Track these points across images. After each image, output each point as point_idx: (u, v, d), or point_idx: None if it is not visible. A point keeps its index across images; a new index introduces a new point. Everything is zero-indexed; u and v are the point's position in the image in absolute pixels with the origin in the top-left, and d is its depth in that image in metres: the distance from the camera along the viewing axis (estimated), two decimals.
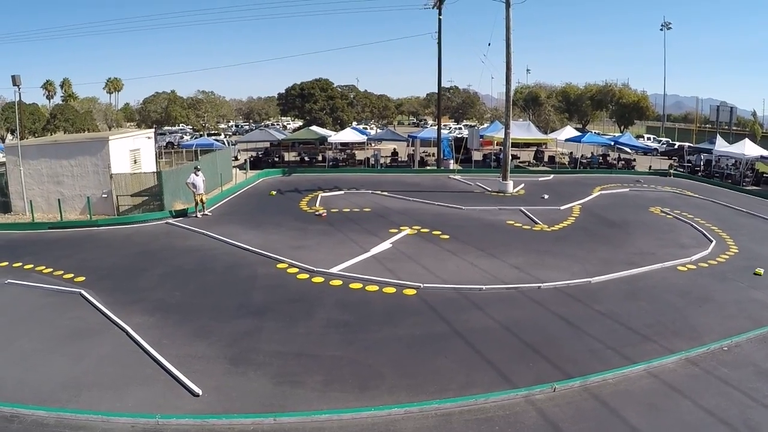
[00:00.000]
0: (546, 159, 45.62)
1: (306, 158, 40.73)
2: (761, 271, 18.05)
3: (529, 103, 79.99)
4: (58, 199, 23.26)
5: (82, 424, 8.79)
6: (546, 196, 28.46)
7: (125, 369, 10.49)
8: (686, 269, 17.91)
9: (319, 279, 15.07)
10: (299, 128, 62.60)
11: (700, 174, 44.22)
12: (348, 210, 22.63)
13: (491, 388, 9.94)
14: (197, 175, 22.55)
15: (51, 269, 16.16)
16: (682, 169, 45.77)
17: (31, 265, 16.51)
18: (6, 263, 16.81)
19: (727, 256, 19.65)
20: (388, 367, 10.54)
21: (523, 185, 31.56)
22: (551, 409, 9.53)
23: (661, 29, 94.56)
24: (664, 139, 72.42)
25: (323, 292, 14.18)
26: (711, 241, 21.30)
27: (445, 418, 9.06)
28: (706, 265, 18.46)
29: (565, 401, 9.83)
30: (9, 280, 15.13)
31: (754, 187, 39.81)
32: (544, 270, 16.62)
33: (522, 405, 9.61)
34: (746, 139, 45.51)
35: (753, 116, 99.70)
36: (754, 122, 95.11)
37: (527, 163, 43.53)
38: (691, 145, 58.84)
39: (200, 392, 9.60)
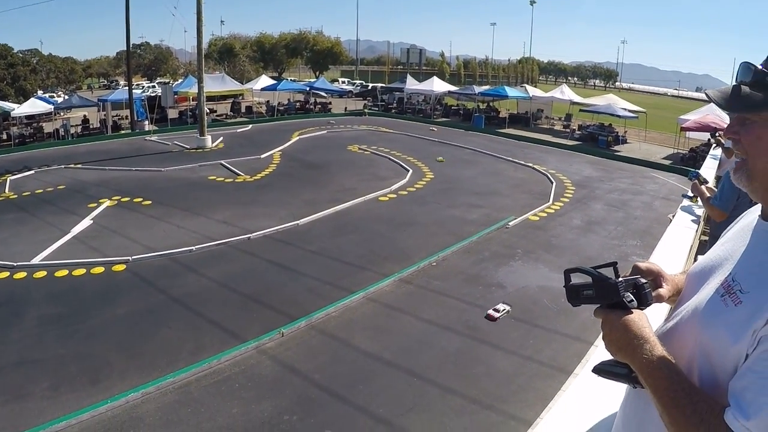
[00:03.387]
0: (243, 110, 45.21)
1: None
2: (442, 158, 21.91)
3: (223, 54, 78.86)
4: None
5: None
6: (441, 159, 28.29)
7: None
8: (388, 199, 19.25)
9: (21, 274, 13.11)
10: None
11: (393, 111, 47.16)
12: (41, 191, 20.18)
13: (222, 348, 9.71)
14: None
15: None
16: (376, 108, 48.39)
17: None
18: None
19: (425, 182, 21.53)
20: (114, 352, 9.70)
21: (221, 138, 31.08)
22: (284, 354, 9.66)
23: None
24: (358, 82, 75.89)
25: (29, 288, 12.45)
26: (408, 171, 23.11)
27: (184, 389, 8.67)
28: (406, 192, 20.05)
29: (296, 343, 10.01)
30: None
31: (444, 119, 43.59)
32: (252, 220, 16.60)
33: (255, 357, 9.58)
34: (434, 77, 49.61)
35: (441, 56, 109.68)
36: (442, 62, 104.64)
37: (225, 116, 42.78)
38: (384, 85, 62.43)
39: None
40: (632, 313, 1.67)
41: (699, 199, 6.54)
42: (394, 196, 19.73)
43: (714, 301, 1.59)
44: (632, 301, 1.69)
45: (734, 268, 1.61)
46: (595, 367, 1.81)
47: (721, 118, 29.98)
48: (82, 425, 7.90)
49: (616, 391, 2.09)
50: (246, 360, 9.48)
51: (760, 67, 1.54)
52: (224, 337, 10.17)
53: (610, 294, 1.71)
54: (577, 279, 1.86)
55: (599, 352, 2.11)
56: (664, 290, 1.92)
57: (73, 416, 8.01)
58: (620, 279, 1.73)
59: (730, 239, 1.77)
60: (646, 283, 1.76)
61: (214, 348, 9.75)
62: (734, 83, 1.60)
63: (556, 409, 2.40)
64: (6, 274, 13.10)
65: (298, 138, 31.85)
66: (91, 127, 36.61)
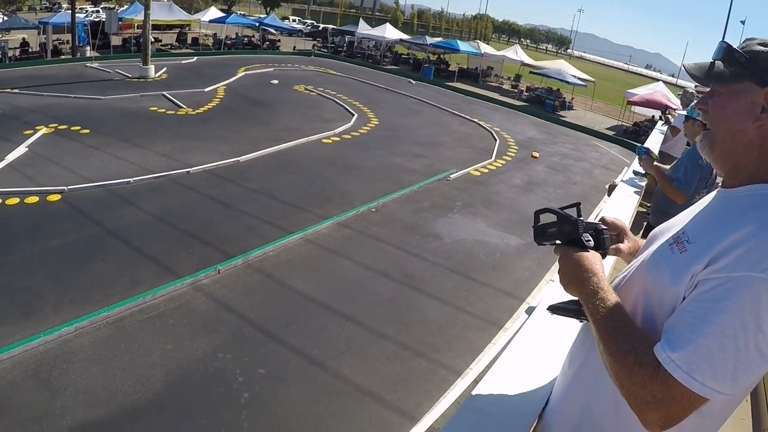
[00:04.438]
0: (189, 41, 43.88)
1: None
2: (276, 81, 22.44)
3: None
4: None
5: None
6: (275, 82, 27.72)
7: None
8: (331, 141, 19.25)
9: None
10: None
11: (342, 54, 46.55)
12: None
13: (157, 283, 9.68)
14: None
15: None
16: (325, 50, 47.71)
17: None
18: None
19: (369, 128, 21.49)
20: (47, 285, 9.50)
21: (165, 69, 30.05)
22: (219, 291, 9.70)
23: None
24: (309, 22, 74.78)
25: None
26: (353, 115, 23.01)
27: (118, 323, 8.63)
28: (350, 136, 20.05)
29: (231, 281, 10.06)
30: None
31: (393, 66, 43.32)
32: (192, 154, 16.35)
33: (190, 293, 9.59)
34: (387, 24, 49.00)
35: (396, 4, 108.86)
36: (396, 9, 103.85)
37: (170, 46, 41.45)
38: (336, 27, 61.46)
39: None
40: (588, 251, 1.82)
41: (654, 176, 6.60)
42: (338, 139, 19.70)
43: (662, 249, 1.73)
44: (589, 241, 1.85)
45: (686, 224, 1.75)
46: (549, 305, 2.00)
47: (668, 97, 30.93)
48: (14, 360, 7.79)
49: (551, 348, 2.21)
50: (181, 296, 9.48)
51: (731, 44, 1.69)
52: (160, 272, 10.11)
53: (570, 231, 1.86)
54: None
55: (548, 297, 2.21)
56: (624, 246, 2.12)
57: (5, 351, 7.88)
58: (581, 219, 1.87)
59: (692, 208, 1.89)
60: (605, 229, 1.91)
61: (149, 283, 9.71)
62: (711, 60, 1.75)
63: (485, 361, 2.53)
64: None
65: (244, 74, 31.16)
66: (30, 50, 34.90)
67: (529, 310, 9.48)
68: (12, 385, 7.33)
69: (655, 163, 6.56)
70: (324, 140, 19.30)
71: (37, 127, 17.75)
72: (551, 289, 2.97)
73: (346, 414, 7.24)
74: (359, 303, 9.73)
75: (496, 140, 22.75)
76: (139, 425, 6.81)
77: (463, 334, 9.24)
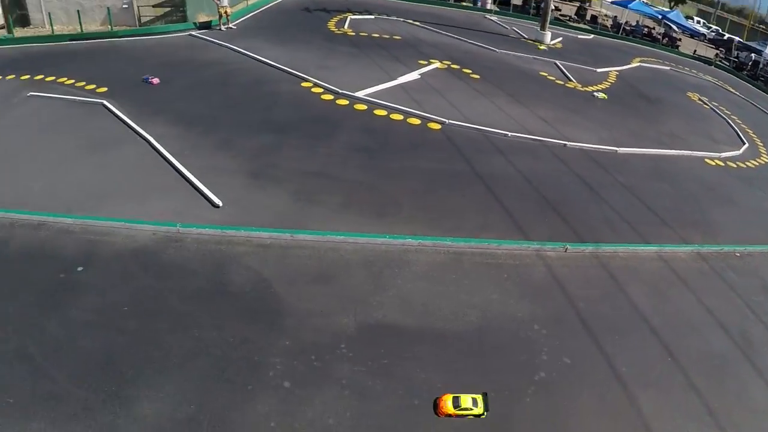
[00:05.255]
0: (588, 18, 43.12)
1: None
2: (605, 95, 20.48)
3: None
4: (78, 11, 20.54)
5: (106, 230, 8.98)
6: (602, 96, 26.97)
7: (147, 178, 10.42)
8: (714, 164, 17.30)
9: (343, 101, 14.33)
10: None
11: (745, 73, 42.22)
12: (377, 35, 21.11)
13: (504, 236, 9.95)
14: None
15: (73, 81, 14.82)
16: (727, 63, 43.79)
17: (53, 77, 15.05)
18: (27, 76, 15.12)
19: (758, 163, 18.91)
20: (406, 197, 10.36)
21: (560, 39, 29.77)
22: (560, 269, 9.58)
23: None
24: (714, 27, 69.30)
25: (347, 115, 13.57)
26: (744, 143, 20.39)
27: (456, 256, 9.08)
28: (735, 165, 17.79)
29: (575, 264, 9.87)
30: (31, 93, 13.92)
31: None
32: (572, 129, 16.03)
33: (532, 258, 9.65)
34: None
35: None
36: None
37: (568, 18, 41.12)
38: (742, 41, 55.99)
39: (220, 203, 9.65)
40: None
41: None
42: (722, 164, 17.64)
43: None
44: None
45: None
46: None
47: None
48: (357, 246, 8.73)
49: None
50: (523, 257, 9.57)
51: None
52: (510, 227, 10.31)
53: None
54: None
55: None
56: None
57: (352, 236, 8.90)
58: None
59: None
60: None
61: (498, 233, 9.98)
62: None
63: None
64: (330, 97, 14.31)
65: (638, 64, 29.62)
66: None
67: None
68: (347, 265, 8.31)
69: None
70: (707, 160, 17.39)
71: (432, 60, 18.91)
72: None
73: None
74: (685, 343, 8.86)
75: None
76: (438, 350, 7.24)
77: None
